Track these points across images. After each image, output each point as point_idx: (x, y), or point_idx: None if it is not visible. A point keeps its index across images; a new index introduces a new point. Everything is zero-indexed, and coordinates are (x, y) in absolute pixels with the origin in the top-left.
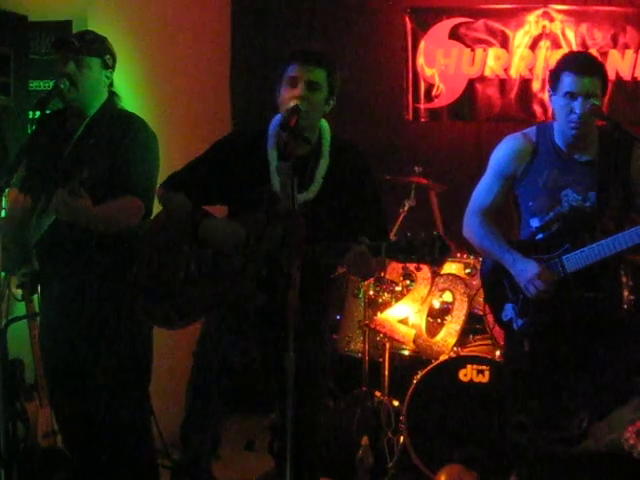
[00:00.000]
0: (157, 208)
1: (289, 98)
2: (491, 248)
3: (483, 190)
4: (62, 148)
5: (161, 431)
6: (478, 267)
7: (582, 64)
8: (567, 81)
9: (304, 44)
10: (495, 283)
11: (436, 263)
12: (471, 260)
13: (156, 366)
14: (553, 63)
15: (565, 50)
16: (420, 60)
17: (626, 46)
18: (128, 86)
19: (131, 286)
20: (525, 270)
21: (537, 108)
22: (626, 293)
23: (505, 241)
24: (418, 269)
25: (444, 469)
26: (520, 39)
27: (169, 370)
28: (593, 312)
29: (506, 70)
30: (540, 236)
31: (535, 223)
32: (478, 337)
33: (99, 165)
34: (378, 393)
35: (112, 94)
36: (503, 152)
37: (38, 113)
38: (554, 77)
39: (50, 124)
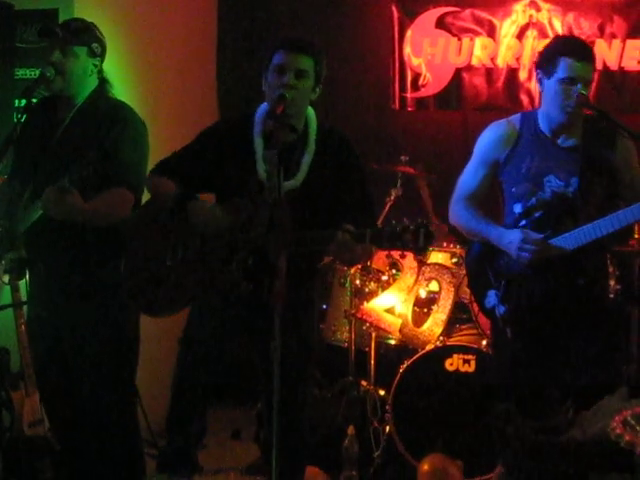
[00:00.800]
0: (146, 196)
1: (276, 86)
2: (477, 228)
3: (468, 176)
4: (51, 136)
5: (148, 419)
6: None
7: (581, 49)
8: (566, 66)
9: (291, 32)
10: (479, 270)
11: (420, 251)
12: (457, 249)
13: (143, 355)
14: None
15: None
16: (407, 49)
17: (613, 36)
18: (115, 73)
19: (119, 274)
20: (512, 240)
21: (524, 97)
22: (612, 283)
23: (490, 220)
24: (402, 256)
25: (427, 458)
26: (507, 28)
27: (156, 359)
28: (580, 300)
29: (493, 59)
30: (523, 222)
31: (518, 209)
32: (464, 327)
33: (88, 158)
34: (364, 382)
35: (103, 81)
36: (487, 138)
37: (24, 101)
38: (549, 61)
39: (38, 112)
